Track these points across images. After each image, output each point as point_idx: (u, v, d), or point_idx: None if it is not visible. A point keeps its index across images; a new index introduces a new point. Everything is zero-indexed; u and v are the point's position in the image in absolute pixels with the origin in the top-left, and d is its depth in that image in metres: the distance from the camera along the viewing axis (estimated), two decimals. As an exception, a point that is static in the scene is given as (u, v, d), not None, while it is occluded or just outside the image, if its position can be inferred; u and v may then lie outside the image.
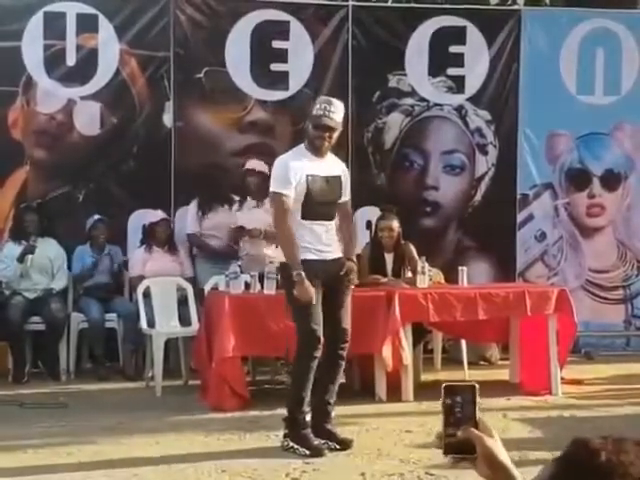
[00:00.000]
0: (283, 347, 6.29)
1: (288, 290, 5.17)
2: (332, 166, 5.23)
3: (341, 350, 5.17)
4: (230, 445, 5.24)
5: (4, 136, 7.56)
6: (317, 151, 5.11)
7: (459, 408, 1.57)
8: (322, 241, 5.11)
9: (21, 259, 7.33)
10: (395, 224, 6.86)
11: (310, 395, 5.07)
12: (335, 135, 5.11)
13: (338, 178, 5.23)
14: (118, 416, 5.97)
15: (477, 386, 1.59)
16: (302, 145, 5.21)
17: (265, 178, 7.54)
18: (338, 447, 5.04)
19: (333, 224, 5.21)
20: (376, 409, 6.08)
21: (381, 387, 6.29)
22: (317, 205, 5.09)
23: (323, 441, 5.03)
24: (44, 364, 7.51)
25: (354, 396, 6.31)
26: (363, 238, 7.59)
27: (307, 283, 4.94)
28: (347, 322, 5.22)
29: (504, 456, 1.53)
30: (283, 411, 5.93)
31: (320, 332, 5.02)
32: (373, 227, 7.40)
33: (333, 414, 5.22)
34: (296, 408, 5.06)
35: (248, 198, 7.52)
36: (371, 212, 7.83)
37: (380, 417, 5.85)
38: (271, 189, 5.15)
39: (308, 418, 5.07)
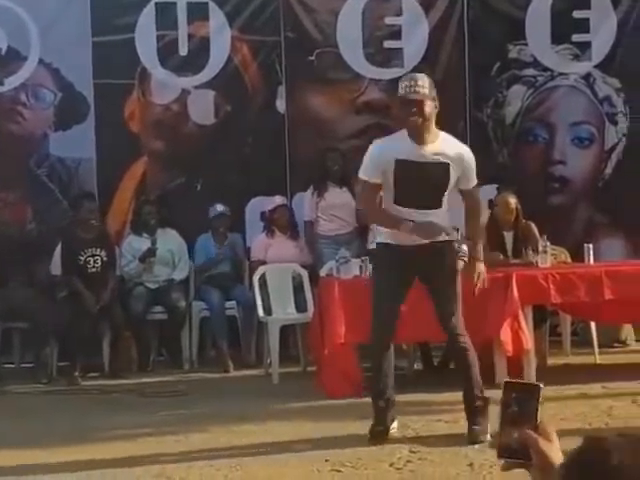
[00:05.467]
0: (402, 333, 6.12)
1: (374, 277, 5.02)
2: (437, 152, 4.81)
3: (456, 342, 4.92)
4: (338, 433, 5.10)
5: (122, 129, 7.65)
6: (416, 135, 4.77)
7: (518, 408, 1.44)
8: None
9: (143, 260, 7.41)
10: (512, 200, 6.54)
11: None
12: (426, 109, 4.73)
13: (443, 165, 4.81)
14: (233, 403, 5.95)
15: (542, 386, 1.45)
16: (405, 130, 4.92)
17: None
18: None
19: (435, 213, 4.82)
20: (495, 395, 5.76)
21: (501, 372, 5.97)
22: (410, 192, 4.79)
23: None
24: (168, 353, 7.59)
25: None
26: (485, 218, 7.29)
27: (419, 223, 4.71)
28: (449, 314, 4.91)
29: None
30: (397, 398, 5.77)
31: (385, 331, 4.89)
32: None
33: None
34: (374, 398, 4.98)
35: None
36: (492, 190, 7.46)
37: (498, 404, 5.53)
38: (359, 174, 5.01)
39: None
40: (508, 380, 1.49)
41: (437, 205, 4.84)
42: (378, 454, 4.63)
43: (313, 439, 4.98)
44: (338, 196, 7.49)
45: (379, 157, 4.88)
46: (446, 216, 4.93)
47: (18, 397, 6.44)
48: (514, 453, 1.42)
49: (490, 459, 4.44)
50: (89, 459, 4.72)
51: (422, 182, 4.78)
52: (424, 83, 4.80)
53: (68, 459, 4.75)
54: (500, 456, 1.44)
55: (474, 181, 4.97)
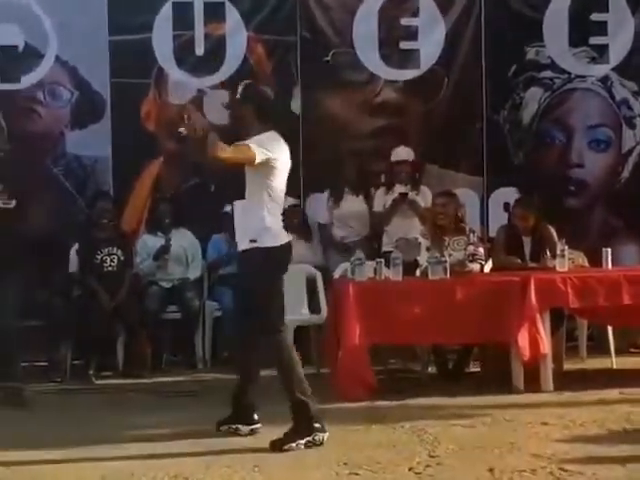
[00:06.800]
0: (417, 335, 6.11)
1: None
2: None
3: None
4: (355, 436, 5.07)
5: (138, 128, 7.66)
6: None
7: None
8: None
9: (157, 257, 7.41)
10: (530, 214, 6.53)
11: None
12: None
13: None
14: (248, 405, 5.89)
15: None
16: None
17: (414, 165, 7.40)
18: None
19: (242, 204, 4.97)
20: (512, 400, 5.75)
21: (518, 377, 5.96)
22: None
23: None
24: (181, 352, 7.58)
25: (488, 386, 6.02)
26: (501, 221, 7.26)
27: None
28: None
29: None
30: (413, 401, 5.76)
31: None
32: (511, 209, 7.04)
33: None
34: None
35: (397, 185, 7.40)
36: (508, 194, 7.49)
37: (515, 408, 5.52)
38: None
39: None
40: None
41: (242, 196, 4.98)
42: (396, 458, 4.59)
43: (329, 442, 4.94)
44: (354, 204, 7.50)
45: None
46: (257, 213, 4.93)
47: (32, 395, 6.42)
48: None
49: (510, 464, 4.42)
50: (104, 458, 4.70)
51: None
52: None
53: (83, 458, 4.74)
54: None
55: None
